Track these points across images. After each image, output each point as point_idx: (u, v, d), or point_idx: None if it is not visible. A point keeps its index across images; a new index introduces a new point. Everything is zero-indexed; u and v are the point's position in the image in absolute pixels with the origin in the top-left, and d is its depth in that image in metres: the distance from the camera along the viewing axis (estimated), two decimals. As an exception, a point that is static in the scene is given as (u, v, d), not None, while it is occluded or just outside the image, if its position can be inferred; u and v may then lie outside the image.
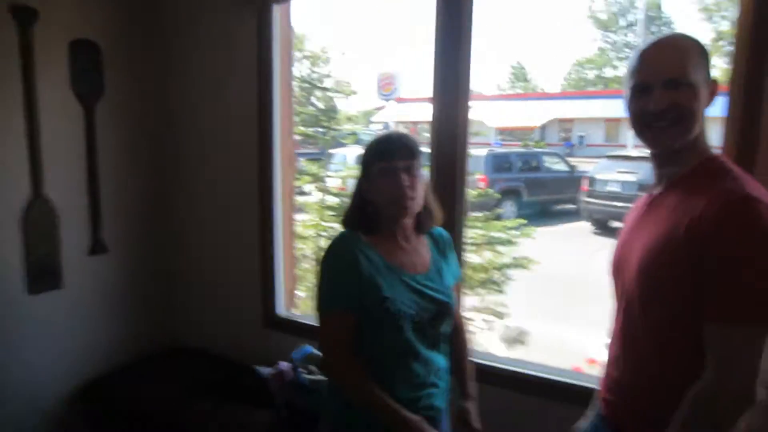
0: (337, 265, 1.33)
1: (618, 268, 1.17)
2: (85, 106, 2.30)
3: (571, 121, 20.53)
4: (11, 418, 2.24)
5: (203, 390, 2.28)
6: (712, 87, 1.03)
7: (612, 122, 18.65)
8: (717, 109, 1.19)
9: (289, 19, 2.32)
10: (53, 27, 2.16)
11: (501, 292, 3.72)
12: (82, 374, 2.44)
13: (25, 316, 2.24)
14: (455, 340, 1.47)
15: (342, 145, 5.10)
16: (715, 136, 1.22)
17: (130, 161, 2.53)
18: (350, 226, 1.40)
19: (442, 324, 1.39)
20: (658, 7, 21.67)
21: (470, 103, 1.86)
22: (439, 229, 1.50)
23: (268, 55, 2.20)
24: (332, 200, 4.01)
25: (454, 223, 1.87)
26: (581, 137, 20.15)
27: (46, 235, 2.24)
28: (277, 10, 2.20)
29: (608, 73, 21.63)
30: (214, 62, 2.42)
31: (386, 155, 1.31)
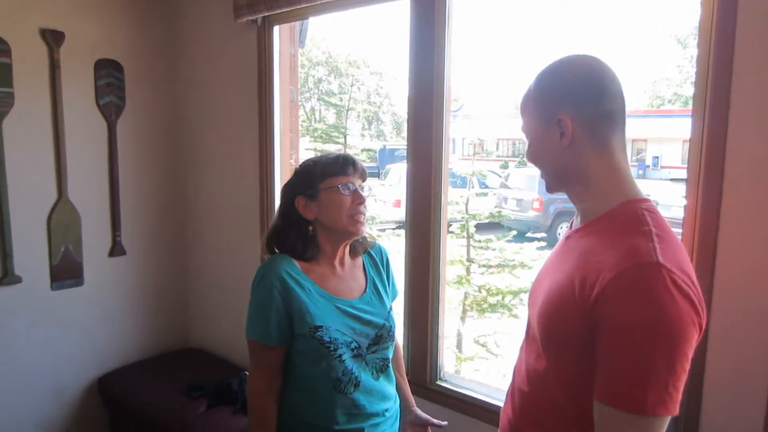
0: (267, 296, 1.25)
1: (530, 302, 1.07)
2: (108, 119, 2.50)
3: (644, 140, 19.52)
4: (35, 404, 2.44)
5: (200, 390, 2.37)
6: (558, 126, 0.91)
7: (691, 143, 17.52)
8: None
9: (296, 37, 2.41)
10: (79, 47, 2.38)
11: (515, 316, 3.58)
12: (99, 368, 2.61)
13: (48, 309, 2.43)
14: (392, 358, 1.43)
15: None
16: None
17: (148, 169, 2.70)
18: (283, 250, 1.33)
19: (384, 348, 1.35)
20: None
21: (447, 111, 1.82)
22: (378, 246, 1.47)
23: (269, 71, 2.29)
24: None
25: (430, 240, 1.86)
26: (656, 158, 19.08)
27: (69, 235, 2.44)
28: (278, 30, 2.29)
29: (687, 90, 20.33)
30: (222, 79, 2.54)
31: (344, 172, 1.29)
